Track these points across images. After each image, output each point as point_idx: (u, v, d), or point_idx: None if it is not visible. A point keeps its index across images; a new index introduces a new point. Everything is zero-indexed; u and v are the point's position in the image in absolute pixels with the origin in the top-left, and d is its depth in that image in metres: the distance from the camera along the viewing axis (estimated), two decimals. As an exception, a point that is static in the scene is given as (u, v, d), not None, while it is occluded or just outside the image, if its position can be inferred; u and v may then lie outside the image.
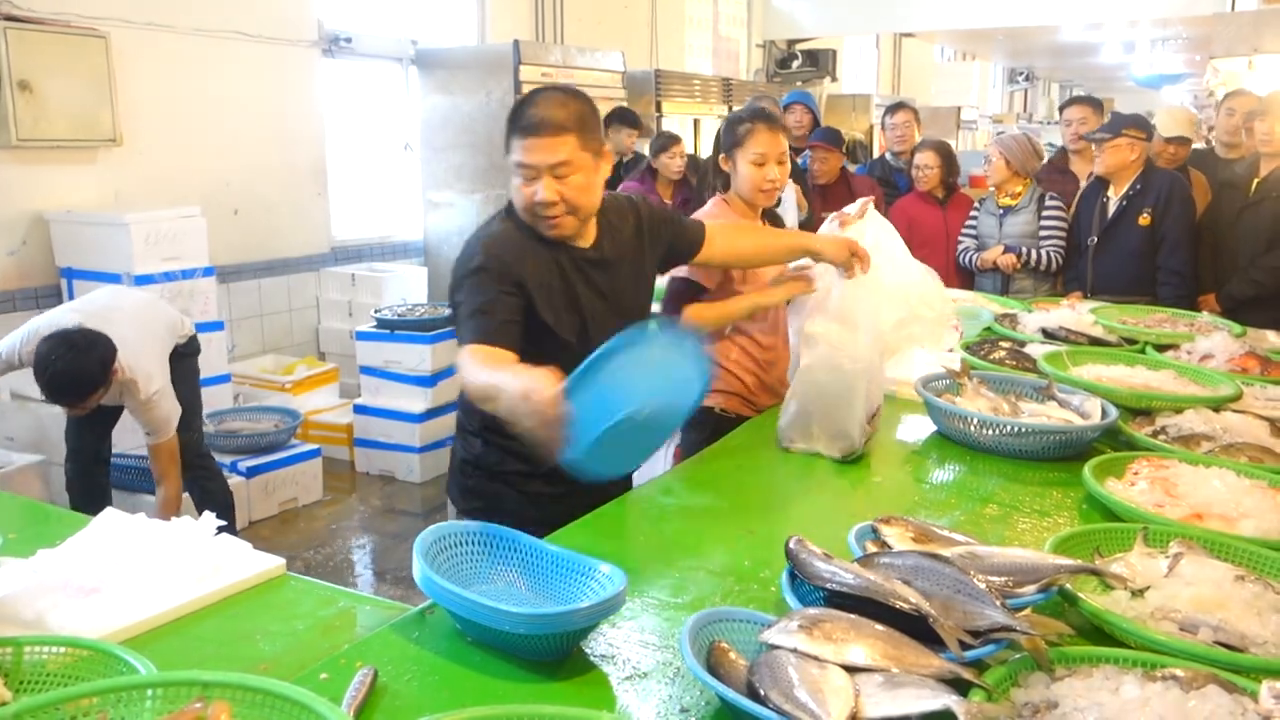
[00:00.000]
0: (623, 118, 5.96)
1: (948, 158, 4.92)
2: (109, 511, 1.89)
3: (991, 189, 4.58)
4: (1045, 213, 4.32)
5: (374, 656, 1.42)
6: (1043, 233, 4.31)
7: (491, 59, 6.39)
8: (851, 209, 2.66)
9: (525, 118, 1.94)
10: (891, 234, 2.63)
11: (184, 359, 3.70)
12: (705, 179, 3.13)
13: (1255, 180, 4.12)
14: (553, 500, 2.06)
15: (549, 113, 1.94)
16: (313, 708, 1.09)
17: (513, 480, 2.12)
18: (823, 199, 5.00)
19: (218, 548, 1.77)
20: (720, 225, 2.48)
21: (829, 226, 2.62)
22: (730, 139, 2.77)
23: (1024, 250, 4.29)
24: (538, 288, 1.98)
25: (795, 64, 10.76)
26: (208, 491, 3.83)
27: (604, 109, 5.95)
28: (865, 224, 2.61)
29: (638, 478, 2.30)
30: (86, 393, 3.12)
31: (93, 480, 3.75)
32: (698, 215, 2.79)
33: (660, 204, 2.28)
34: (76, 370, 3.06)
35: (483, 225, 2.11)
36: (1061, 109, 5.08)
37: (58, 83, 3.48)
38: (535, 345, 1.91)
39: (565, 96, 1.99)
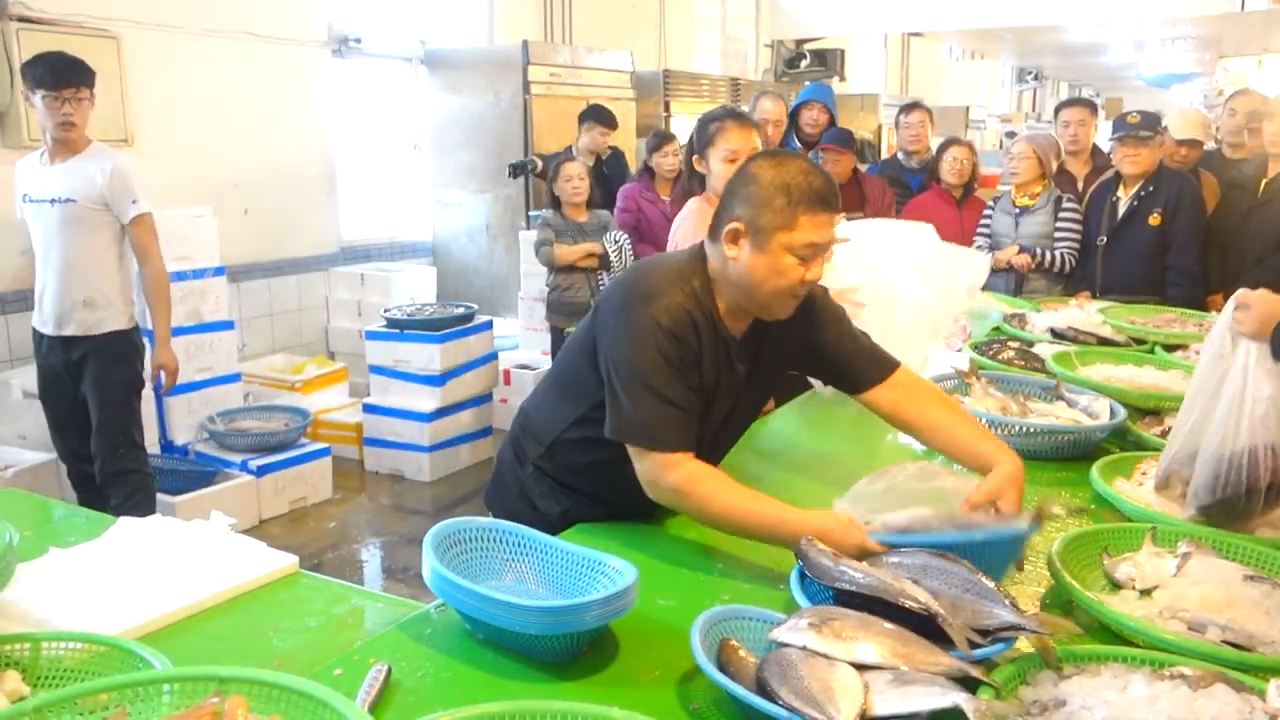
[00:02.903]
0: (598, 117, 5.85)
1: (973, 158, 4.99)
2: (123, 521, 1.91)
3: (1009, 189, 4.56)
4: (1061, 214, 4.30)
5: (387, 653, 1.43)
6: (1058, 234, 4.29)
7: (500, 59, 6.42)
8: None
9: (819, 190, 1.72)
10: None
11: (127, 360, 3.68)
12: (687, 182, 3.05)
13: (1263, 181, 4.10)
14: None
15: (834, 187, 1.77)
16: (329, 703, 1.10)
17: (552, 519, 1.98)
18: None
19: (231, 546, 1.79)
20: (918, 385, 2.05)
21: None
22: (702, 138, 2.76)
23: (1039, 251, 4.28)
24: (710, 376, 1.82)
25: (803, 64, 10.74)
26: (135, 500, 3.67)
27: (613, 109, 5.95)
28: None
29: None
30: (85, 71, 3.45)
31: (82, 474, 3.77)
32: (678, 218, 2.78)
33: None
34: (71, 57, 3.49)
35: (657, 287, 1.79)
36: (1057, 111, 5.05)
37: (70, 83, 3.54)
38: None
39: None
